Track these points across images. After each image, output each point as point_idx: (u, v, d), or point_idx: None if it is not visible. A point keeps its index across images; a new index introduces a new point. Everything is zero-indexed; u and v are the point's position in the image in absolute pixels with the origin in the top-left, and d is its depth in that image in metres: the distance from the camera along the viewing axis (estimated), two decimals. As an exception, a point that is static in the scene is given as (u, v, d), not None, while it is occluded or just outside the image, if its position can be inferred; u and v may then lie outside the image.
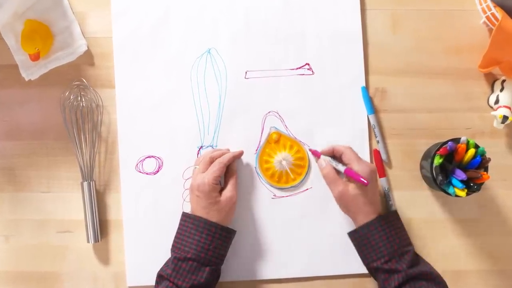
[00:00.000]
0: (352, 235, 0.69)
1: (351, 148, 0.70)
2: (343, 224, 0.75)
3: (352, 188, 0.67)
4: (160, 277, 0.68)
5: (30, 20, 0.76)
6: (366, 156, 0.77)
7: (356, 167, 0.67)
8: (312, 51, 0.78)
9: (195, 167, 0.73)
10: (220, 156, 0.72)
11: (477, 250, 0.76)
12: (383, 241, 0.66)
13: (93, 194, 0.75)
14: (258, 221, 0.76)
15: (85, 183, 0.75)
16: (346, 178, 0.69)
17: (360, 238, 0.68)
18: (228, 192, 0.70)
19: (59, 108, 0.76)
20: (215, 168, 0.70)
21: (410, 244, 0.68)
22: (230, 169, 0.73)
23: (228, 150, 0.76)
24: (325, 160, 0.70)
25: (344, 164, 0.69)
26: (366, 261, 0.68)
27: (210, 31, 0.78)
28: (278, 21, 0.78)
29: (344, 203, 0.68)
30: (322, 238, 0.75)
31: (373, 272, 0.68)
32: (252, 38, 0.78)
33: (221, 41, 0.78)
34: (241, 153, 0.75)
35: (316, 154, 0.73)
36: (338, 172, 0.69)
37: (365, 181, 0.64)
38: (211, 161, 0.72)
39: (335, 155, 0.71)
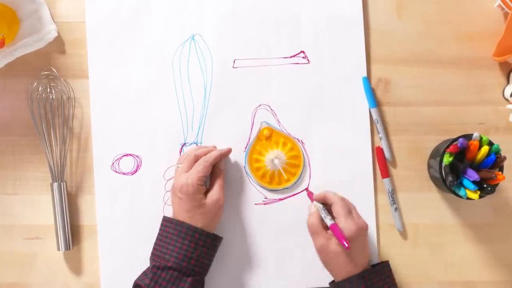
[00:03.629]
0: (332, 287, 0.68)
1: (343, 199, 0.69)
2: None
3: (334, 244, 0.66)
4: (137, 286, 0.67)
5: (-7, 3, 0.75)
6: (367, 154, 0.76)
7: (342, 223, 0.65)
8: (307, 38, 0.77)
9: (178, 166, 0.72)
10: (205, 154, 0.71)
11: (491, 258, 0.76)
12: None
13: (64, 196, 0.74)
14: (247, 227, 0.75)
15: (55, 184, 0.74)
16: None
17: None
18: (214, 194, 0.69)
19: (26, 100, 0.75)
20: (200, 168, 0.68)
21: None
22: (217, 169, 0.72)
23: (215, 147, 0.75)
24: (315, 206, 0.70)
25: (333, 217, 0.68)
26: None
27: (195, 15, 0.77)
28: (269, 4, 0.77)
29: (324, 257, 0.67)
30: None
31: None
32: (240, 23, 0.77)
33: (206, 26, 0.77)
34: (229, 151, 0.74)
35: (310, 198, 0.73)
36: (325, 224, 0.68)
37: (346, 245, 0.63)
38: (196, 159, 0.70)
39: (327, 204, 0.70)
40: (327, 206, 0.69)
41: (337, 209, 0.67)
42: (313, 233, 0.67)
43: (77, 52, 0.77)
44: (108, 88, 0.76)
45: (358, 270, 0.65)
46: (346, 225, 0.65)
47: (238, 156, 0.75)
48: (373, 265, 0.69)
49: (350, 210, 0.67)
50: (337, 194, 0.69)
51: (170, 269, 0.65)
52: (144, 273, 0.68)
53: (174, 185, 0.69)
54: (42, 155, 0.75)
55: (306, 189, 0.74)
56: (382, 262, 0.70)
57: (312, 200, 0.71)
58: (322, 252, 0.66)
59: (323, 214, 0.68)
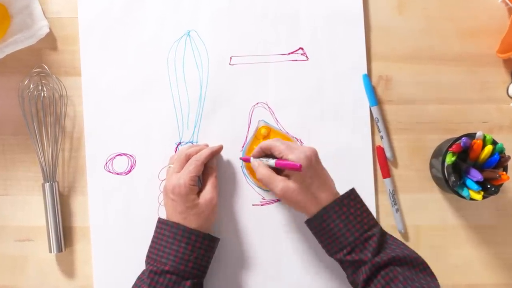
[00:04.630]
0: (308, 224, 0.67)
1: (279, 139, 0.69)
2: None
3: (293, 181, 0.65)
4: None
5: (-17, -2, 0.74)
6: (368, 154, 0.76)
7: (290, 156, 0.65)
8: (306, 34, 0.76)
9: (169, 166, 0.71)
10: (196, 152, 0.71)
11: (494, 261, 0.75)
12: (341, 230, 0.64)
13: (56, 197, 0.74)
14: (245, 228, 0.74)
15: (47, 185, 0.73)
16: (285, 173, 0.67)
17: (315, 228, 0.66)
18: (207, 193, 0.69)
19: (17, 98, 0.75)
20: (191, 167, 0.68)
21: (374, 225, 0.65)
22: (209, 167, 0.72)
23: (207, 145, 0.75)
24: (256, 160, 0.69)
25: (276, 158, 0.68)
26: (328, 253, 0.67)
27: (190, 10, 0.77)
28: (267, -1, 0.77)
29: (289, 200, 0.66)
30: (318, 248, 0.72)
31: (339, 263, 0.66)
32: (237, 18, 0.77)
33: (202, 22, 0.77)
34: (220, 148, 0.73)
35: (247, 160, 0.72)
36: (274, 169, 0.68)
37: (297, 165, 0.63)
38: (187, 159, 0.70)
39: (266, 153, 0.70)
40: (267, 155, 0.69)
41: (277, 148, 0.66)
42: (268, 182, 0.67)
43: (69, 48, 0.76)
44: (101, 85, 0.76)
45: (328, 197, 0.65)
46: (294, 156, 0.64)
47: (234, 156, 0.75)
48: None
49: (289, 144, 0.67)
50: (270, 140, 0.70)
51: (168, 273, 0.64)
52: (140, 279, 0.67)
53: (166, 186, 0.69)
54: (34, 155, 0.75)
55: (240, 158, 0.74)
56: (348, 191, 0.67)
57: (248, 160, 0.71)
58: (285, 195, 0.66)
59: (265, 160, 0.67)
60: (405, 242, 0.74)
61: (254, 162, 0.69)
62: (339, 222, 0.64)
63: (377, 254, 0.62)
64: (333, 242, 0.64)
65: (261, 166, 0.68)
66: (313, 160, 0.65)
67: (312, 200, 0.65)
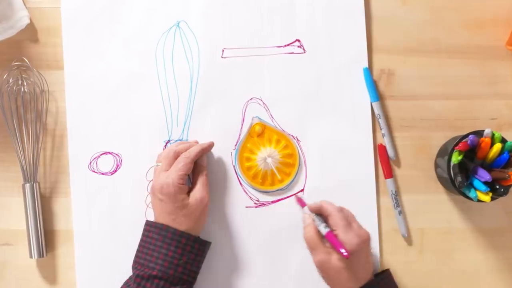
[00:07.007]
0: None
1: (342, 209, 0.68)
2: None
3: (335, 259, 0.65)
4: None
5: (-41, -13, 0.74)
6: (369, 153, 0.75)
7: (342, 235, 0.64)
8: (303, 25, 0.76)
9: (157, 165, 0.71)
10: (186, 150, 0.71)
11: (503, 266, 0.75)
12: None
13: (37, 198, 0.74)
14: (237, 231, 0.75)
15: (27, 185, 0.74)
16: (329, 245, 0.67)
17: None
18: (197, 192, 0.69)
19: None
20: (180, 165, 0.68)
21: None
22: (199, 165, 0.72)
23: (197, 142, 0.75)
24: (310, 217, 0.68)
25: (329, 226, 0.67)
26: None
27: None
28: (262, -13, 0.78)
29: (324, 274, 0.66)
30: (313, 252, 0.74)
31: None
32: (230, 8, 0.77)
33: (192, 12, 0.77)
34: (211, 145, 0.73)
35: (302, 204, 0.71)
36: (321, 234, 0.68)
37: (345, 253, 0.62)
38: (176, 156, 0.70)
39: (322, 215, 0.69)
40: (322, 216, 0.68)
41: (335, 220, 0.65)
42: (311, 247, 0.66)
43: (51, 41, 0.76)
44: (85, 80, 0.76)
45: (360, 284, 0.64)
46: (346, 238, 0.63)
47: (227, 155, 0.75)
48: (376, 275, 0.68)
49: (349, 221, 0.66)
50: (333, 204, 0.68)
51: (156, 278, 0.64)
52: (127, 284, 0.67)
53: (153, 185, 0.69)
54: (13, 154, 0.74)
55: (296, 194, 0.74)
56: (383, 272, 0.69)
57: (302, 206, 0.70)
58: (322, 268, 0.65)
59: (317, 222, 0.66)
60: (408, 247, 0.75)
61: (307, 217, 0.68)
62: None
63: None
64: None
65: (311, 226, 0.67)
66: (363, 247, 0.65)
67: (346, 283, 0.64)
